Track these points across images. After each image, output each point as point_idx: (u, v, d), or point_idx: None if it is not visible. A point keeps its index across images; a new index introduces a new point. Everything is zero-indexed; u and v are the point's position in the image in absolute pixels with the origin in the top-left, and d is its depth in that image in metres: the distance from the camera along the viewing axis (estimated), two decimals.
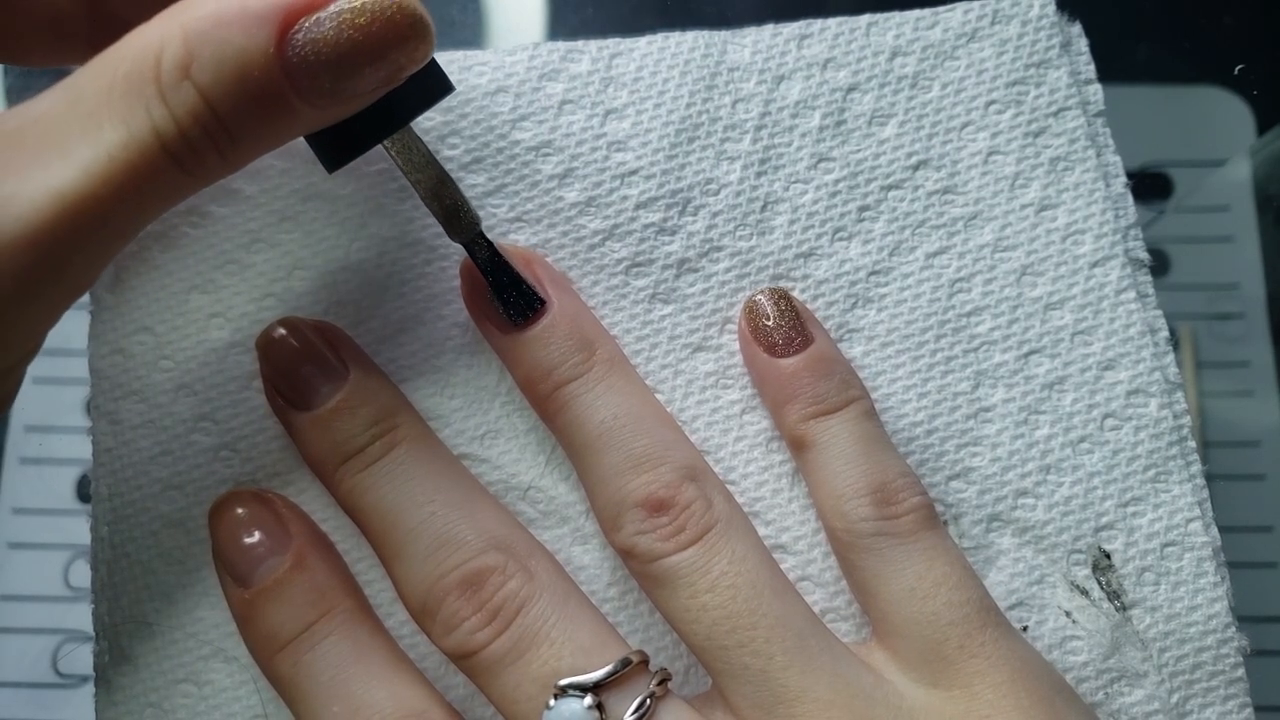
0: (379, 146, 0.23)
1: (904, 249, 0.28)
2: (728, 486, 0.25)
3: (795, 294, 0.27)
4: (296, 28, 0.19)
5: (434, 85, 0.23)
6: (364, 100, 0.21)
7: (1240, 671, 0.26)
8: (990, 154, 0.28)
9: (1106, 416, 0.27)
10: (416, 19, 0.20)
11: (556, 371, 0.25)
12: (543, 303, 0.25)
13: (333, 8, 0.19)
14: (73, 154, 0.19)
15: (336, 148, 0.22)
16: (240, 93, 0.19)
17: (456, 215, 0.24)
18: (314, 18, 0.19)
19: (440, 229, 0.25)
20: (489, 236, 0.25)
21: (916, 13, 0.29)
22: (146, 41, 0.19)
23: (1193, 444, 0.27)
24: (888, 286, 0.27)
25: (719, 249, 0.27)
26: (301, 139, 0.22)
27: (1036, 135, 0.28)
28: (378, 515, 0.24)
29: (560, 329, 0.25)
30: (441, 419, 0.26)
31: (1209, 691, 0.26)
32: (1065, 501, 0.26)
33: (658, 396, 0.26)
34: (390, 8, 0.20)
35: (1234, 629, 0.26)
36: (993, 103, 0.28)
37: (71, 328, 0.38)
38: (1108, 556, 0.26)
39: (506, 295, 0.25)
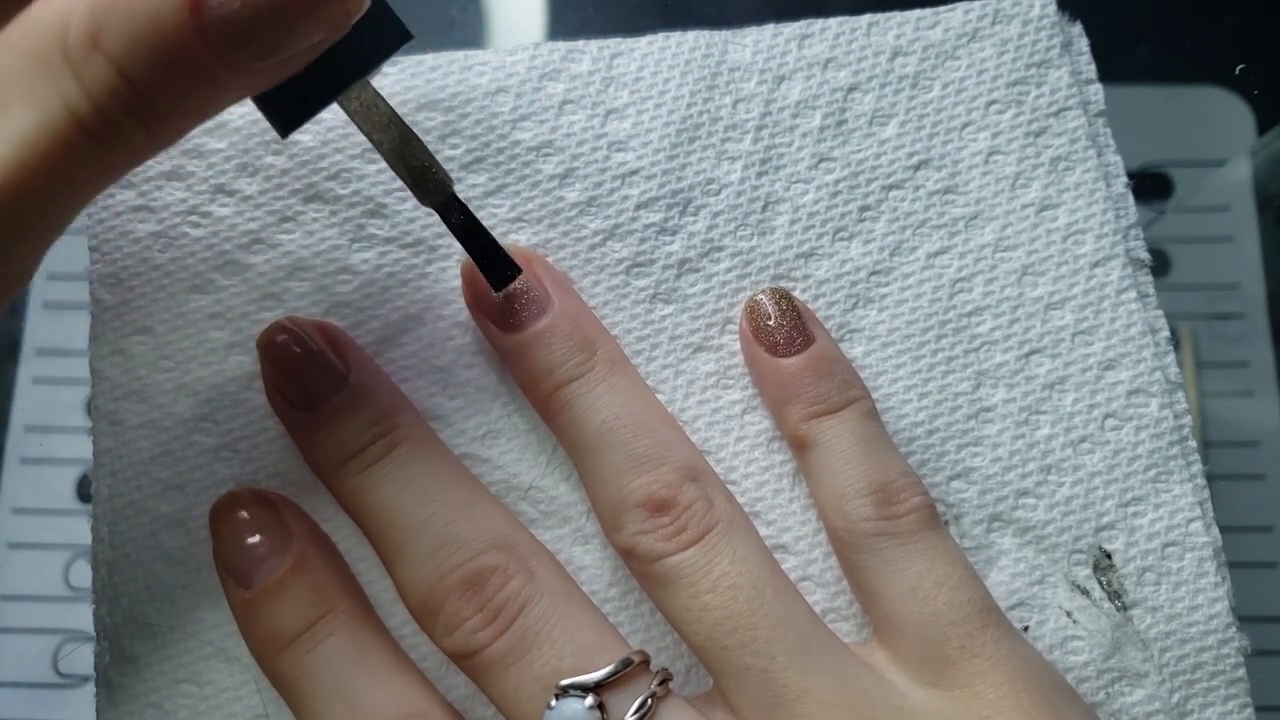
0: (337, 106, 0.21)
1: (905, 249, 0.28)
2: (728, 487, 0.25)
3: (796, 294, 0.27)
4: None
5: (388, 33, 0.20)
6: (299, 62, 0.19)
7: (1241, 671, 0.26)
8: (991, 154, 0.28)
9: (1107, 416, 0.27)
10: None
11: (558, 371, 0.25)
12: (519, 269, 0.24)
13: None
14: None
15: (285, 110, 0.20)
16: (156, 61, 0.17)
17: (425, 176, 0.22)
18: None
19: (441, 230, 0.24)
20: (463, 200, 0.24)
21: (917, 13, 0.29)
22: (51, 12, 0.18)
23: (1193, 444, 0.27)
24: (888, 286, 0.27)
25: (720, 249, 0.27)
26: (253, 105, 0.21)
27: (1037, 135, 0.28)
28: (379, 515, 0.24)
29: (561, 329, 0.25)
30: (442, 419, 0.26)
31: (1210, 691, 0.26)
32: (1066, 501, 0.26)
33: (658, 397, 0.26)
34: None
35: (1234, 629, 0.26)
36: (993, 102, 0.28)
37: (71, 328, 0.38)
38: (1109, 556, 0.26)
39: (484, 262, 0.24)
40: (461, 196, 0.26)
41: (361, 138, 0.26)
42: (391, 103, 0.26)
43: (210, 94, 0.19)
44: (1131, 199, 0.28)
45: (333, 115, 0.26)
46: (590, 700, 0.22)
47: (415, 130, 0.23)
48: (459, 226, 0.23)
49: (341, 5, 0.18)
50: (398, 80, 0.27)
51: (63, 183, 0.18)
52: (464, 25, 0.39)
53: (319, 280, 0.26)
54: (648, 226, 0.27)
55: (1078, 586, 0.26)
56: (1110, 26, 0.30)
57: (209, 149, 0.27)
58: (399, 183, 0.27)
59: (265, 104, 0.21)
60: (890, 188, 0.28)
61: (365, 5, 0.19)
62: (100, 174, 0.19)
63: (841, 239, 0.28)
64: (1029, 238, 0.28)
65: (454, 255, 0.27)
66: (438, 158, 0.27)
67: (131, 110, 0.18)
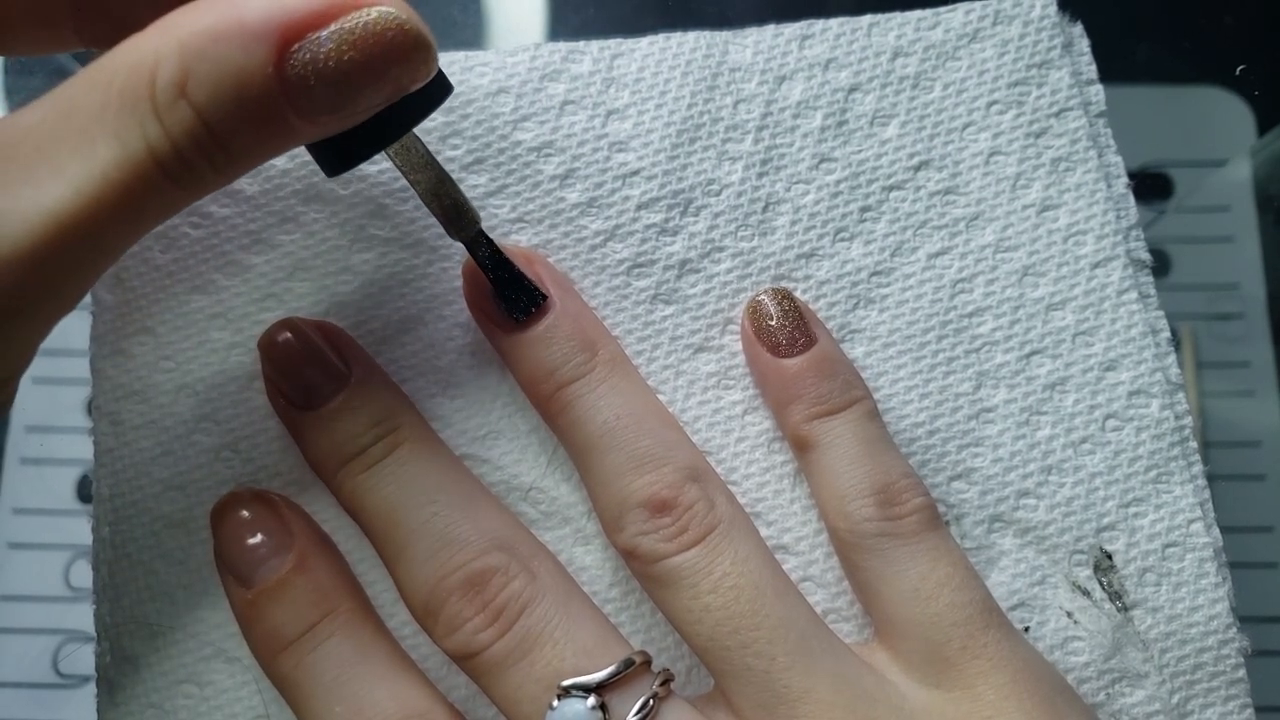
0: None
1: (906, 249, 0.28)
2: (729, 487, 0.25)
3: (797, 295, 0.27)
4: (296, 46, 0.19)
5: (434, 90, 0.22)
6: (363, 116, 0.20)
7: (1241, 672, 0.26)
8: (992, 154, 0.28)
9: (1108, 417, 0.27)
10: (418, 38, 0.20)
11: (559, 372, 0.25)
12: (545, 298, 0.25)
13: (333, 26, 0.19)
14: (66, 171, 0.19)
15: (337, 156, 0.22)
16: (237, 111, 0.19)
17: (457, 214, 0.24)
18: (314, 36, 0.19)
19: (441, 229, 0.24)
20: (490, 235, 0.25)
21: (918, 13, 0.29)
22: (141, 56, 0.19)
23: (1194, 445, 0.27)
24: (889, 287, 0.27)
25: (721, 249, 0.27)
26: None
27: (1038, 136, 0.28)
28: (380, 516, 0.24)
29: (562, 329, 0.25)
30: (443, 419, 0.26)
31: (1210, 692, 0.26)
32: (1067, 502, 0.26)
33: (659, 397, 0.26)
34: (391, 27, 0.19)
35: (1235, 629, 0.26)
36: (994, 103, 0.28)
37: (72, 328, 0.38)
38: (1109, 557, 0.26)
39: (509, 293, 0.25)
40: None
41: None
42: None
43: (279, 142, 0.20)
44: (1132, 199, 0.28)
45: None
46: (592, 701, 0.22)
47: (452, 178, 0.24)
48: (487, 260, 0.25)
49: (411, 71, 0.20)
50: None
51: (134, 214, 0.19)
52: (464, 26, 0.39)
53: (320, 280, 0.26)
54: (648, 227, 0.27)
55: (1078, 587, 0.26)
56: (1110, 27, 0.30)
57: None
58: (399, 183, 0.27)
59: (318, 150, 0.22)
60: (891, 188, 0.28)
61: (432, 74, 0.20)
62: (167, 209, 0.20)
63: (842, 239, 0.28)
64: (1030, 238, 0.28)
65: (454, 256, 0.27)
66: (439, 158, 0.27)
67: (206, 152, 0.19)
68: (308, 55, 0.19)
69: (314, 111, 0.19)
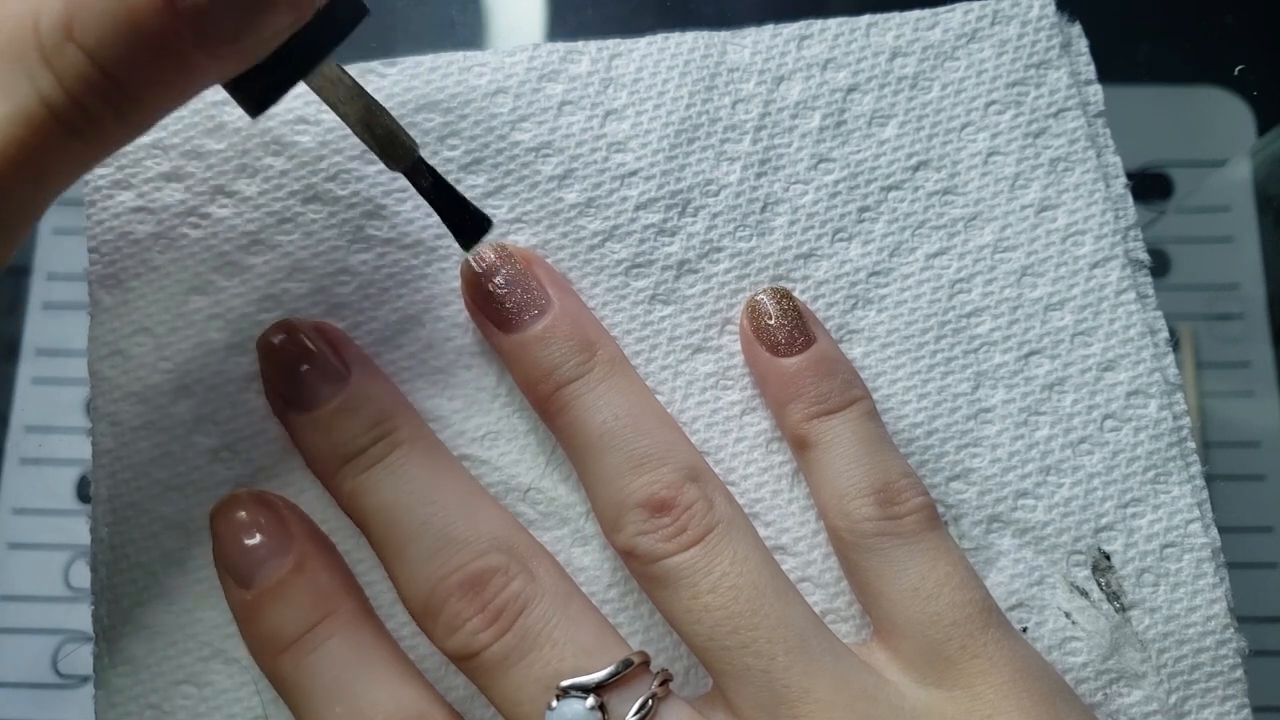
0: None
1: (904, 250, 0.28)
2: (728, 487, 0.25)
3: (795, 295, 0.27)
4: None
5: (349, 12, 0.21)
6: (269, 46, 0.19)
7: (1239, 672, 0.26)
8: (990, 155, 0.28)
9: (1106, 417, 0.27)
10: None
11: (557, 372, 0.25)
12: (490, 223, 0.24)
13: None
14: None
15: (256, 92, 0.21)
16: (132, 50, 0.18)
17: (391, 143, 0.23)
18: None
19: (438, 227, 0.24)
20: (430, 164, 0.24)
21: (916, 13, 0.29)
22: (21, 4, 0.18)
23: (1192, 445, 0.27)
24: (888, 287, 0.27)
25: (719, 250, 0.27)
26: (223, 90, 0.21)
27: (1036, 136, 0.28)
28: (379, 516, 0.24)
29: (561, 330, 0.25)
30: (441, 420, 0.26)
31: (1207, 692, 0.26)
32: (1065, 502, 0.26)
33: (658, 397, 0.26)
34: None
35: (1233, 630, 0.26)
36: (993, 103, 0.28)
37: (71, 328, 0.38)
38: (1107, 557, 0.26)
39: (455, 220, 0.24)
40: None
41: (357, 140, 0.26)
42: (389, 104, 0.27)
43: (182, 79, 0.19)
44: (1131, 199, 0.28)
45: (332, 118, 0.26)
46: (591, 701, 0.22)
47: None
48: (428, 189, 0.24)
49: None
50: (397, 81, 0.27)
51: (37, 172, 0.18)
52: (463, 26, 0.39)
53: (318, 281, 0.26)
54: (647, 227, 0.27)
55: (1076, 587, 0.26)
56: (1110, 26, 0.30)
57: (208, 150, 0.27)
58: (399, 183, 0.27)
59: (236, 87, 0.21)
60: (889, 188, 0.28)
61: None
62: (74, 163, 0.19)
63: (841, 240, 0.28)
64: (1028, 239, 0.28)
65: (453, 256, 0.27)
66: (436, 159, 0.27)
67: (105, 98, 0.18)
68: None
69: (213, 42, 0.18)
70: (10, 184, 0.18)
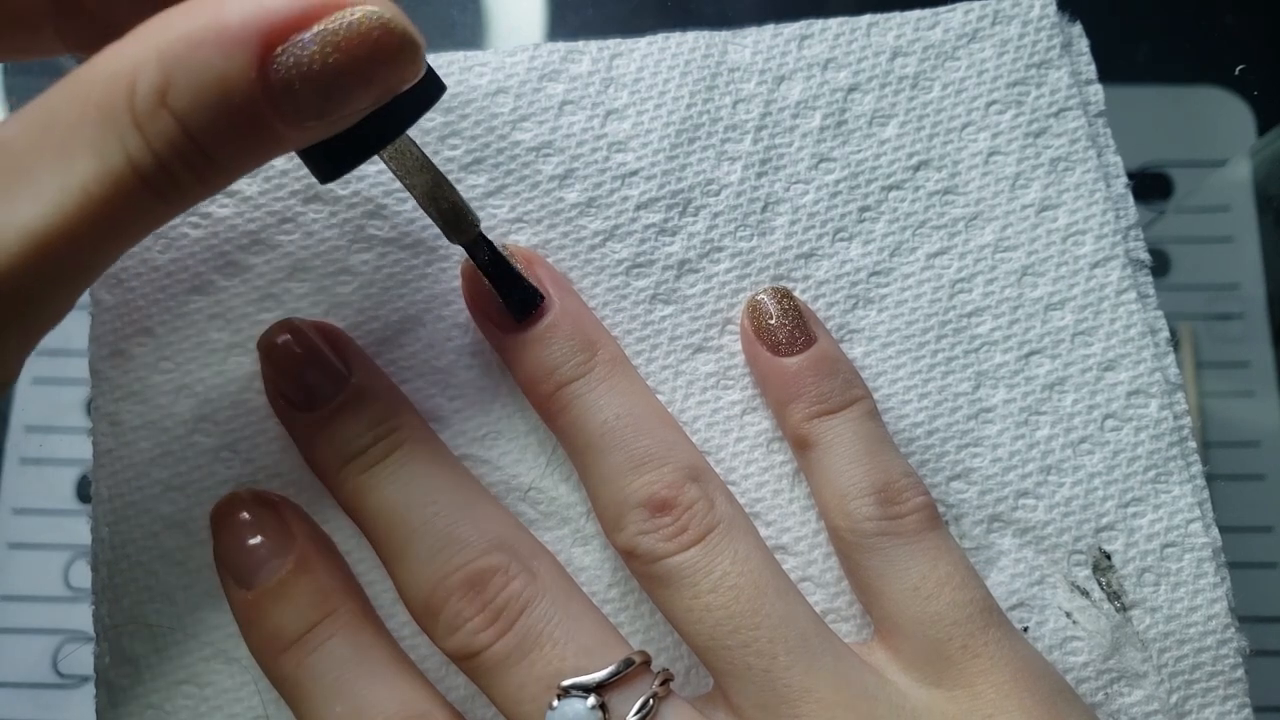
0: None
1: (905, 249, 0.28)
2: (728, 487, 0.25)
3: (795, 294, 0.27)
4: (279, 50, 0.18)
5: (426, 91, 0.22)
6: (352, 121, 0.20)
7: (1239, 672, 0.26)
8: (991, 154, 0.28)
9: (1107, 417, 0.27)
10: (404, 36, 0.19)
11: (558, 372, 0.25)
12: (544, 299, 0.25)
13: (316, 28, 0.18)
14: (44, 188, 0.18)
15: (329, 161, 0.21)
16: (221, 119, 0.18)
17: (455, 217, 0.24)
18: (297, 39, 0.18)
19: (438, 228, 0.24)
20: (489, 238, 0.25)
21: (917, 13, 0.29)
22: (119, 65, 0.18)
23: (1193, 444, 0.27)
24: (888, 287, 0.27)
25: (720, 249, 0.27)
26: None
27: (1037, 136, 0.28)
28: (379, 516, 0.24)
29: (562, 329, 0.25)
30: (442, 420, 0.26)
31: (1208, 692, 0.26)
32: (1066, 502, 0.26)
33: (658, 397, 0.26)
34: (376, 26, 0.18)
35: (1233, 629, 0.26)
36: (993, 103, 0.28)
37: (71, 328, 0.38)
38: (1108, 557, 0.26)
39: (509, 295, 0.25)
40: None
41: None
42: None
43: (265, 148, 0.19)
44: (1131, 199, 0.28)
45: None
46: (592, 700, 0.22)
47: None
48: (487, 263, 0.24)
49: (399, 72, 0.19)
50: None
51: (116, 230, 0.19)
52: (464, 26, 0.39)
53: (319, 281, 0.26)
54: (647, 227, 0.27)
55: (1077, 587, 0.26)
56: (1110, 27, 0.30)
57: None
58: (398, 183, 0.27)
59: (309, 156, 0.22)
60: (890, 188, 0.28)
61: (421, 73, 0.20)
62: (150, 222, 0.20)
63: (841, 239, 0.28)
64: (1029, 238, 0.28)
65: (453, 256, 0.27)
66: (437, 158, 0.27)
67: (190, 163, 0.19)
68: (291, 59, 0.18)
69: (300, 117, 0.19)
70: (90, 240, 0.18)
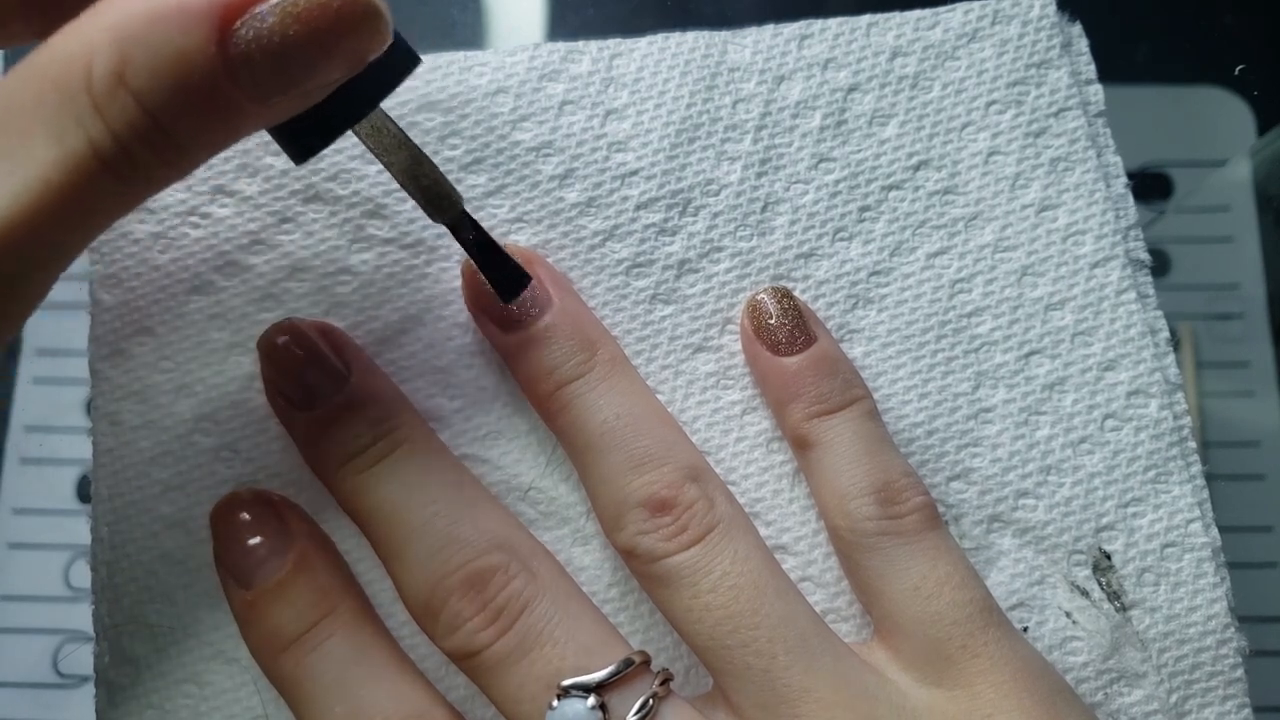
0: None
1: (905, 249, 0.28)
2: (728, 487, 0.25)
3: (795, 294, 0.27)
4: (238, 24, 0.18)
5: (400, 61, 0.21)
6: (319, 94, 0.19)
7: (1239, 672, 0.26)
8: (991, 154, 0.28)
9: (1107, 417, 0.27)
10: (367, 5, 0.18)
11: (558, 371, 0.25)
12: (530, 279, 0.25)
13: (273, 0, 0.18)
14: (2, 175, 0.18)
15: (301, 139, 0.21)
16: (182, 97, 0.18)
17: (436, 195, 0.23)
18: (255, 11, 0.18)
19: (438, 227, 0.24)
20: (473, 216, 0.24)
21: (917, 13, 0.29)
22: (75, 46, 0.18)
23: (1193, 445, 0.27)
24: (888, 287, 0.27)
25: (719, 249, 0.27)
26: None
27: (1037, 135, 0.28)
28: (379, 516, 0.24)
29: (562, 329, 0.25)
30: (442, 420, 0.26)
31: (1208, 692, 0.26)
32: (1066, 502, 0.26)
33: (658, 397, 0.26)
34: None
35: (1233, 629, 0.26)
36: (993, 103, 0.28)
37: (71, 328, 0.38)
38: (1108, 557, 0.26)
39: (495, 275, 0.24)
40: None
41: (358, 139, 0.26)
42: (391, 102, 0.26)
43: (230, 127, 0.19)
44: (1131, 199, 0.28)
45: None
46: (592, 700, 0.22)
47: (420, 142, 0.23)
48: (470, 242, 0.24)
49: (364, 42, 0.19)
50: None
51: (80, 214, 0.18)
52: (464, 26, 0.39)
53: (319, 281, 0.26)
54: (647, 227, 0.27)
55: (1077, 587, 0.26)
56: (1110, 26, 0.30)
57: None
58: (399, 184, 0.27)
59: (281, 134, 0.21)
60: (890, 188, 0.28)
61: (387, 42, 0.19)
62: (116, 206, 0.19)
63: (841, 239, 0.28)
64: (1029, 238, 0.28)
65: (454, 256, 0.27)
66: (437, 158, 0.27)
67: (152, 144, 0.18)
68: (250, 32, 0.18)
69: (263, 92, 0.18)
70: (55, 227, 0.18)
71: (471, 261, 0.25)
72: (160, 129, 0.18)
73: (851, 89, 0.28)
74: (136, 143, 0.18)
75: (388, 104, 0.22)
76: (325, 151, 0.27)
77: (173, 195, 0.26)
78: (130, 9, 0.17)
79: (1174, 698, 0.25)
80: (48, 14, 0.20)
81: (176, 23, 0.17)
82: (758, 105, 0.28)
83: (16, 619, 0.35)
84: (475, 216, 0.24)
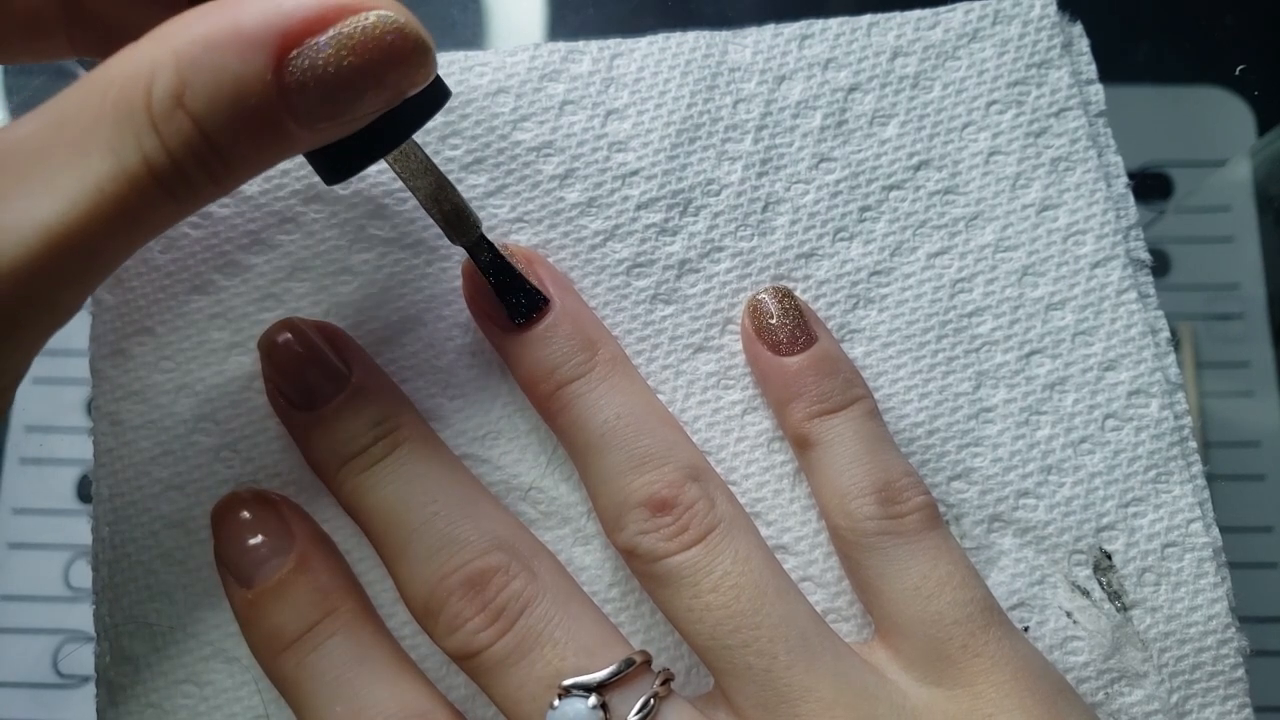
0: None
1: (905, 249, 0.28)
2: (729, 487, 0.25)
3: (796, 294, 0.27)
4: (295, 53, 0.19)
5: (432, 95, 0.22)
6: (362, 123, 0.20)
7: (1240, 672, 0.26)
8: (991, 154, 0.28)
9: (1107, 417, 0.27)
10: (417, 41, 0.19)
11: (559, 371, 0.25)
12: (547, 301, 0.25)
13: (331, 31, 0.19)
14: (59, 185, 0.18)
15: (335, 163, 0.22)
16: (236, 120, 0.19)
17: (458, 219, 0.24)
18: (312, 42, 0.19)
19: (438, 228, 0.24)
20: (490, 238, 0.25)
21: (917, 13, 0.29)
22: (136, 66, 0.19)
23: (1193, 444, 0.27)
24: (889, 287, 0.27)
25: (720, 249, 0.27)
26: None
27: (1038, 135, 0.28)
28: (380, 516, 0.24)
29: (562, 329, 0.25)
30: (443, 420, 0.26)
31: (1208, 692, 0.26)
32: (1066, 502, 0.26)
33: (659, 397, 0.26)
34: (390, 30, 0.19)
35: (1234, 629, 0.26)
36: (994, 103, 0.28)
37: (72, 328, 0.38)
38: (1109, 557, 0.26)
39: (510, 297, 0.25)
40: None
41: None
42: None
43: (277, 149, 0.20)
44: (1132, 199, 0.28)
45: None
46: (593, 700, 0.22)
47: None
48: (488, 264, 0.25)
49: (411, 74, 0.20)
50: None
51: (128, 226, 0.19)
52: (464, 26, 0.39)
53: (319, 281, 0.26)
54: (648, 227, 0.27)
55: (1078, 587, 0.26)
56: (1110, 26, 0.30)
57: None
58: (399, 184, 0.27)
59: (317, 158, 0.22)
60: (891, 188, 0.28)
61: (431, 76, 0.20)
62: (162, 220, 0.20)
63: (842, 239, 0.28)
64: (1029, 238, 0.28)
65: (454, 256, 0.27)
66: (437, 158, 0.27)
67: (204, 163, 0.19)
68: (306, 61, 0.19)
69: (313, 119, 0.19)
70: (104, 237, 0.19)
71: (472, 261, 0.25)
72: (213, 149, 0.19)
73: (852, 89, 0.28)
74: (190, 161, 0.19)
75: None
76: None
77: None
78: (191, 35, 0.18)
79: (1175, 698, 0.25)
80: (89, 31, 0.21)
81: (236, 50, 0.18)
82: (758, 105, 0.28)
83: (16, 619, 0.35)
84: (503, 254, 0.25)
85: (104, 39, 0.23)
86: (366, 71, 0.19)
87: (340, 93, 0.19)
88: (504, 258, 0.25)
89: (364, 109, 0.20)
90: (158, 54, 0.18)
